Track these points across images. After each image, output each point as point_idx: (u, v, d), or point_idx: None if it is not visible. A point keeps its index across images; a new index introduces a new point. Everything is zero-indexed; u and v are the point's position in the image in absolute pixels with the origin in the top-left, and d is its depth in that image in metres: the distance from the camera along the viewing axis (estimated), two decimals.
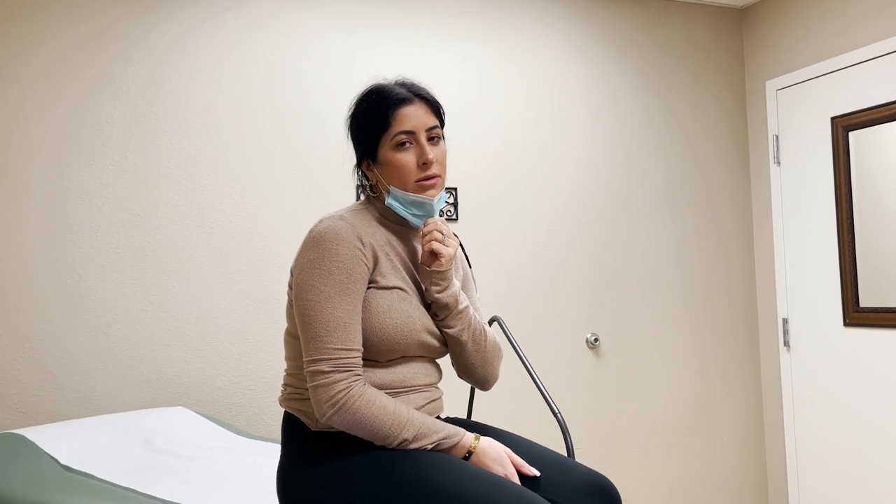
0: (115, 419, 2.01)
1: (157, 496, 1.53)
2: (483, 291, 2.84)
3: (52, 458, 1.74)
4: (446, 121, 2.78)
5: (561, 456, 1.42)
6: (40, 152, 2.26)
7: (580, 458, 2.96)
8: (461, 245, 2.88)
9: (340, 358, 1.31)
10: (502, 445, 1.36)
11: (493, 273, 2.87)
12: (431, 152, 1.40)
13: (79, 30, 2.32)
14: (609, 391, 3.05)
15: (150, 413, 2.09)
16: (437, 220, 1.44)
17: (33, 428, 1.89)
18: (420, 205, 1.42)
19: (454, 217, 2.81)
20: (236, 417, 2.43)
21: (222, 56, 2.48)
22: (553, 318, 2.96)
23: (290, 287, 1.42)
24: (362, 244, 1.36)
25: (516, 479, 1.32)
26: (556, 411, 1.85)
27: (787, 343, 3.21)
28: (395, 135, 1.40)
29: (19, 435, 1.82)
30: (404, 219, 1.46)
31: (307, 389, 1.40)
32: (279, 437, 2.47)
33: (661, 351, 3.16)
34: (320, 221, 1.38)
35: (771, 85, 3.28)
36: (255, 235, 2.49)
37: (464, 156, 2.84)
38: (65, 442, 1.82)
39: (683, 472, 3.17)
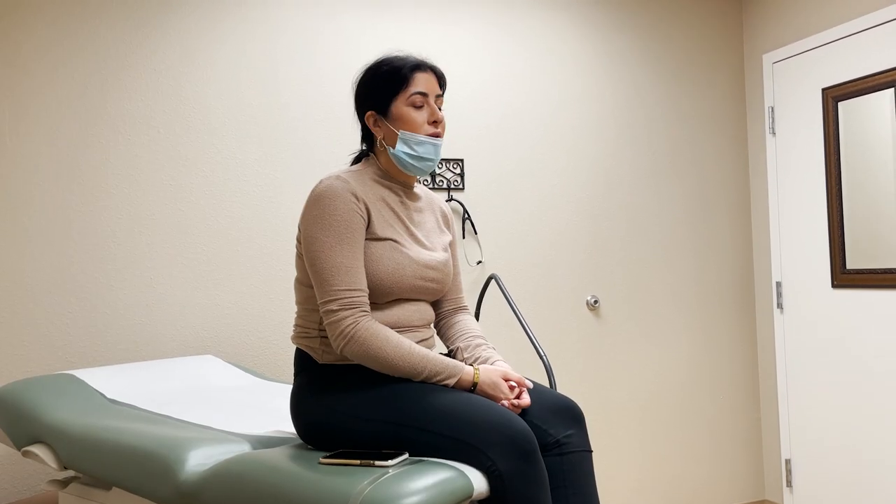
0: (153, 364, 2.27)
1: (191, 421, 1.78)
2: (488, 255, 3.05)
3: (99, 392, 2.00)
4: (455, 95, 2.98)
5: (536, 383, 1.63)
6: (86, 133, 2.51)
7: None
8: (467, 214, 3.08)
9: (346, 297, 1.52)
10: (496, 369, 1.54)
11: (498, 237, 3.07)
12: (440, 113, 1.64)
13: (115, 13, 2.56)
14: (609, 350, 3.25)
15: (184, 359, 2.34)
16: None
17: (82, 370, 2.15)
18: (427, 146, 1.61)
19: (461, 187, 3.02)
20: (259, 367, 2.68)
21: (243, 41, 2.71)
22: (555, 281, 3.16)
23: (298, 241, 1.64)
24: (356, 199, 1.57)
25: (511, 399, 1.51)
26: (542, 354, 2.06)
27: (780, 305, 3.37)
28: (413, 94, 1.61)
29: (70, 374, 2.08)
30: (398, 174, 1.66)
31: (314, 329, 1.62)
32: None
33: (661, 312, 3.35)
34: (320, 182, 1.59)
35: (767, 58, 3.42)
36: (274, 203, 2.73)
37: (469, 128, 3.04)
38: (110, 380, 2.08)
39: (681, 428, 3.37)
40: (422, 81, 1.61)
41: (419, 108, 1.61)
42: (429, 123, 1.62)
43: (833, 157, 3.10)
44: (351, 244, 1.54)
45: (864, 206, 2.98)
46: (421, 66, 1.63)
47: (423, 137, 1.61)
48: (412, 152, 1.62)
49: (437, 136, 1.63)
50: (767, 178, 3.43)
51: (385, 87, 1.62)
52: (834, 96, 3.09)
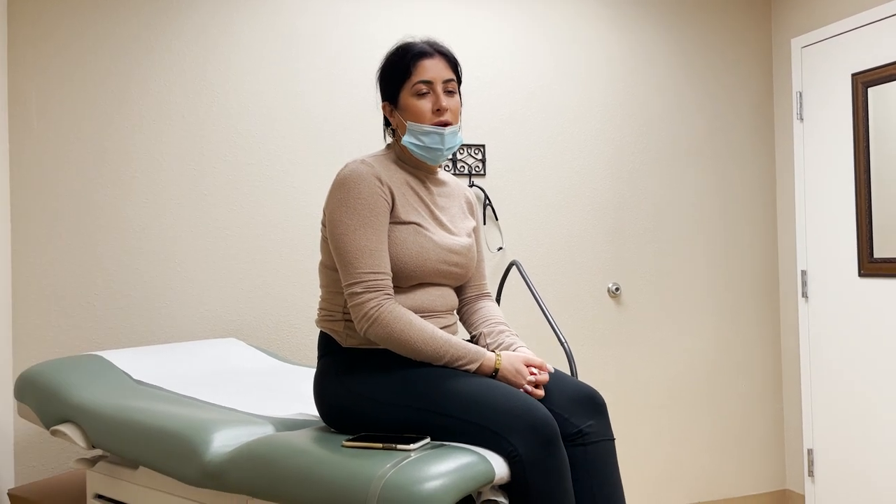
0: (178, 346, 2.29)
1: (216, 403, 1.81)
2: (509, 241, 3.05)
3: (125, 373, 2.03)
4: (477, 80, 2.97)
5: (557, 371, 1.63)
6: (112, 118, 2.54)
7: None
8: (489, 200, 3.08)
9: (370, 280, 1.53)
10: (518, 355, 1.54)
11: (519, 224, 3.06)
12: (445, 101, 1.61)
13: (138, 1, 2.57)
14: (630, 338, 3.24)
15: (208, 342, 2.37)
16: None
17: (109, 351, 2.19)
18: (433, 136, 1.61)
19: (482, 172, 3.01)
20: (282, 351, 2.71)
21: (264, 26, 2.71)
22: (576, 268, 3.15)
23: (323, 224, 1.65)
24: (381, 182, 1.57)
25: (531, 383, 1.51)
26: (563, 341, 2.06)
27: (805, 294, 3.33)
28: (415, 83, 1.61)
29: (98, 356, 2.11)
30: (419, 160, 1.67)
31: (338, 312, 1.63)
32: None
33: (683, 300, 3.33)
34: (345, 166, 1.60)
35: (796, 42, 3.36)
36: (297, 187, 2.74)
37: (491, 114, 3.02)
38: (136, 362, 2.11)
39: (702, 417, 3.35)
40: (426, 69, 1.60)
41: (424, 97, 1.60)
42: (433, 112, 1.60)
43: (862, 143, 3.04)
44: (375, 227, 1.55)
45: (892, 193, 2.93)
46: (426, 52, 1.61)
47: (428, 127, 1.60)
48: (419, 143, 1.61)
49: (445, 124, 1.60)
50: (794, 165, 3.38)
51: (392, 79, 1.63)
52: (864, 81, 3.03)
